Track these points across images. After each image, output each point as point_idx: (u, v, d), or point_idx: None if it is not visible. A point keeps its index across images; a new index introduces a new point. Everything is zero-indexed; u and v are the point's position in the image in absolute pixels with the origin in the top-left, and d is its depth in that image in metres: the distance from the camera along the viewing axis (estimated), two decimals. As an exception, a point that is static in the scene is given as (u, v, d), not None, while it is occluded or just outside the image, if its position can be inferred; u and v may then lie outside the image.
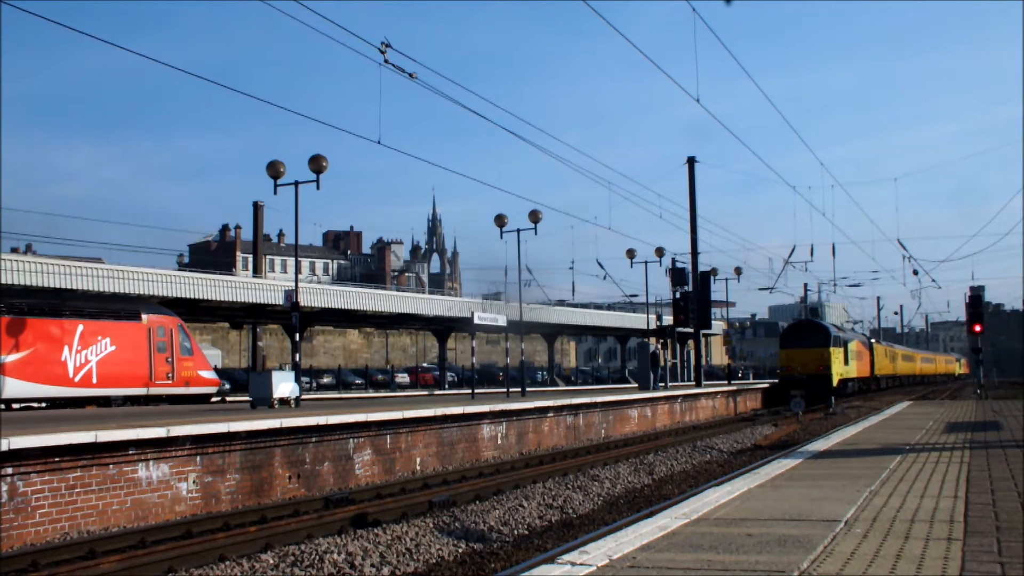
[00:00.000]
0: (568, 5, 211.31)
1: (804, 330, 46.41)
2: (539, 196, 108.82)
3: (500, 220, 28.15)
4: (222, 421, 12.93)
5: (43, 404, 23.46)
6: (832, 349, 44.32)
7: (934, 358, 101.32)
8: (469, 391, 30.33)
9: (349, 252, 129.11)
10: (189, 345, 28.01)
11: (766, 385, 47.54)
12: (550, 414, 22.63)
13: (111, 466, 11.19)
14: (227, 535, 10.40)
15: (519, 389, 30.50)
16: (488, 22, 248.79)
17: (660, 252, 39.89)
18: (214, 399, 28.99)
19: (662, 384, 35.27)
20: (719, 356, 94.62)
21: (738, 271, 50.27)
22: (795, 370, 43.63)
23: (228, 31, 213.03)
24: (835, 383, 43.45)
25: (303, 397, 23.65)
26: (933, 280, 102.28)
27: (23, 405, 22.85)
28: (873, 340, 61.52)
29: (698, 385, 41.31)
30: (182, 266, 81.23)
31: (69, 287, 29.05)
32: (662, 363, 36.50)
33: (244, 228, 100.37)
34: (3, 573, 8.73)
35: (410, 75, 17.90)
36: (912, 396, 48.34)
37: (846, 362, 46.80)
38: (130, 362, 25.73)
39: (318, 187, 21.32)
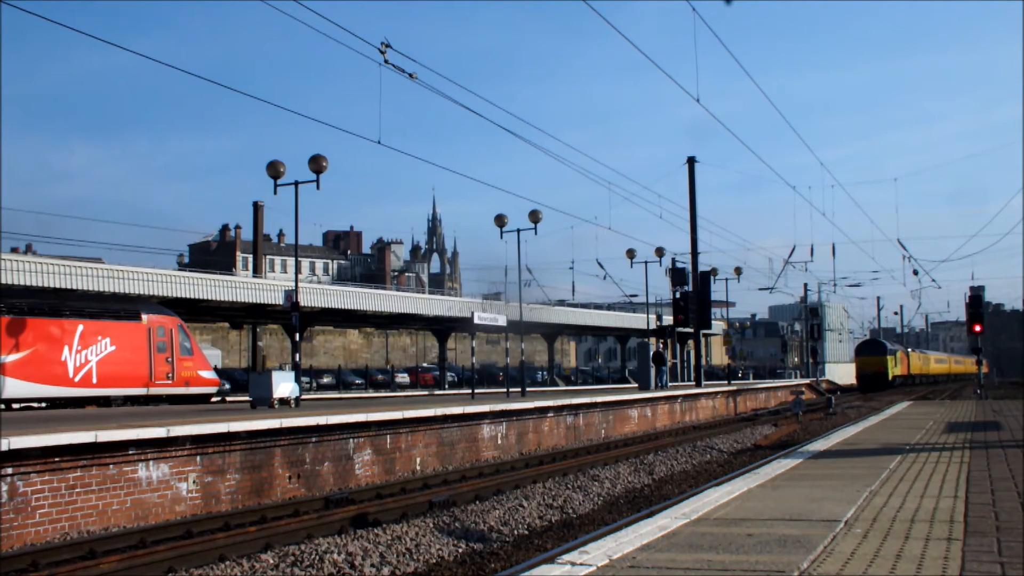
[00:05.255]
0: (568, 5, 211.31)
1: (871, 345, 73.39)
2: (539, 196, 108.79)
3: (500, 220, 28.12)
4: (222, 421, 12.93)
5: (43, 404, 23.45)
6: (888, 356, 68.77)
7: (964, 360, 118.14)
8: (469, 391, 30.31)
9: (349, 252, 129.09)
10: (189, 345, 28.00)
11: (854, 383, 73.96)
12: (550, 414, 22.63)
13: (111, 466, 11.18)
14: (227, 535, 10.39)
15: (519, 389, 30.48)
16: (488, 22, 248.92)
17: (660, 252, 39.89)
18: (214, 399, 28.97)
19: (661, 384, 35.21)
20: (719, 356, 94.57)
21: (738, 271, 50.25)
22: (866, 370, 68.76)
23: (228, 31, 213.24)
24: (890, 378, 67.67)
25: (303, 397, 23.64)
26: (933, 280, 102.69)
27: (23, 405, 22.85)
28: (909, 349, 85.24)
29: (698, 385, 41.28)
30: (182, 266, 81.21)
31: (69, 287, 29.04)
32: (667, 363, 36.47)
33: (244, 228, 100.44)
34: (3, 573, 8.72)
35: (410, 75, 17.90)
36: (912, 396, 48.47)
37: (895, 365, 70.47)
38: (130, 362, 25.71)
39: (318, 187, 21.31)
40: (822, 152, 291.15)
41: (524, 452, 20.60)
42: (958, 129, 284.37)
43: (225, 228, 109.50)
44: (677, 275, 40.88)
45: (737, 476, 11.59)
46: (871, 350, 71.20)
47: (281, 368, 40.13)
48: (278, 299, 33.77)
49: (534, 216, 28.29)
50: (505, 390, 31.97)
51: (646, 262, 39.94)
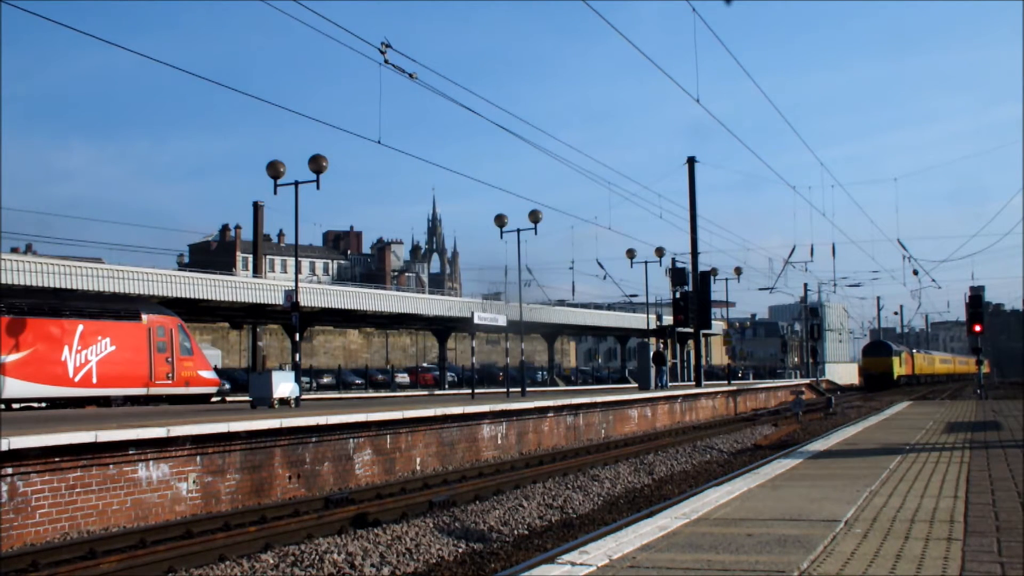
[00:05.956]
0: (567, 5, 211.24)
1: (877, 346, 78.08)
2: (539, 196, 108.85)
3: (500, 220, 28.12)
4: (222, 421, 12.93)
5: (43, 404, 23.44)
6: (893, 357, 73.19)
7: (968, 360, 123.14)
8: (469, 391, 30.31)
9: (349, 252, 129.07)
10: (189, 345, 27.99)
11: (856, 382, 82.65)
12: (550, 414, 22.63)
13: (111, 466, 11.18)
14: (227, 535, 10.40)
15: (519, 389, 30.48)
16: (488, 22, 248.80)
17: (660, 252, 39.89)
18: (214, 399, 28.97)
19: (661, 384, 35.20)
20: (719, 356, 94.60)
21: (738, 271, 50.28)
22: (872, 370, 73.50)
23: (228, 31, 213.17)
24: (895, 377, 72.02)
25: (303, 397, 23.64)
26: (933, 280, 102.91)
27: (23, 405, 22.84)
28: (914, 350, 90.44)
29: (698, 385, 41.28)
30: (182, 266, 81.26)
31: (69, 287, 29.05)
32: (668, 363, 36.44)
33: (244, 228, 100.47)
34: (3, 573, 8.73)
35: (410, 75, 17.90)
36: (912, 396, 48.48)
37: (900, 365, 75.18)
38: (130, 362, 25.71)
39: (318, 187, 21.32)
40: (822, 152, 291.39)
41: (524, 452, 20.60)
42: (958, 129, 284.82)
43: (225, 228, 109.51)
44: (677, 275, 40.89)
45: (737, 476, 11.59)
46: (877, 351, 76.15)
47: (281, 368, 40.11)
48: (278, 299, 33.77)
49: (534, 216, 28.29)
50: (505, 390, 31.98)
51: (646, 262, 39.98)
